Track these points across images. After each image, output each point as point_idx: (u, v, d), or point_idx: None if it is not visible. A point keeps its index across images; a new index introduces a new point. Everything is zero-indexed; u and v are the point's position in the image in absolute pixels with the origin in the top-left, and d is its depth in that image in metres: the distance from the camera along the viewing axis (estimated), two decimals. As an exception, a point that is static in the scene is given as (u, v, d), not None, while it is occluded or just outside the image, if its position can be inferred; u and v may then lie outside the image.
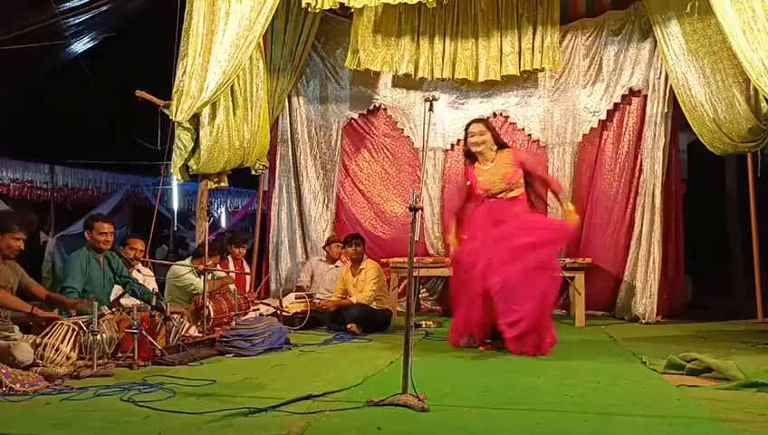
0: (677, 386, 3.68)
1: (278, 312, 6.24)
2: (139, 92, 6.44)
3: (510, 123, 8.10)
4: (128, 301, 5.33)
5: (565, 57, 7.83)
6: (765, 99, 5.90)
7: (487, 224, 4.99)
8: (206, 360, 4.54)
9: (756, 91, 6.02)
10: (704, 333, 6.10)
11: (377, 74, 8.14)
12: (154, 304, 4.81)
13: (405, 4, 6.96)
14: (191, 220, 14.00)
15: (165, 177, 7.74)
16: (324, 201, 8.36)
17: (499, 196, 5.01)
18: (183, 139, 6.39)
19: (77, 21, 7.92)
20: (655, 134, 7.38)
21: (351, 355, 4.90)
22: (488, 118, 5.57)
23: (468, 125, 5.28)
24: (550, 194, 5.39)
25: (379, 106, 8.46)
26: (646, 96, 7.55)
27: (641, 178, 7.50)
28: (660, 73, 7.37)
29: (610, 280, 7.57)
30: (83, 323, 4.10)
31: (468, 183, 5.19)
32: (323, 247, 7.71)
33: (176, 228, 14.80)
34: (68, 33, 8.10)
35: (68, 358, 3.92)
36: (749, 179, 7.00)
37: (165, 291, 6.27)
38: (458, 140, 8.18)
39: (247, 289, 7.17)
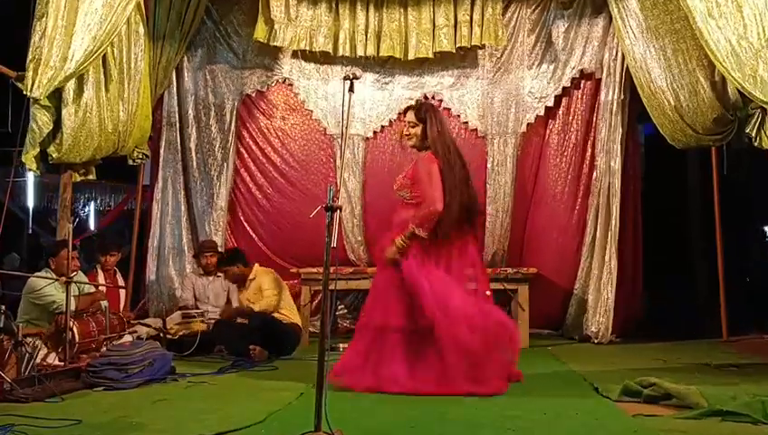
0: (633, 416, 3.82)
1: (161, 334, 6.10)
2: (-16, 61, 6.18)
3: (444, 108, 8.07)
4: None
5: (508, 33, 7.95)
6: (735, 84, 6.13)
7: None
8: (68, 395, 4.41)
9: (723, 76, 6.27)
10: (663, 354, 6.33)
11: (284, 44, 8.03)
12: (2, 325, 4.60)
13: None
14: (51, 221, 13.51)
15: (17, 167, 7.42)
16: (216, 198, 8.11)
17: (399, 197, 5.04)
18: (39, 119, 6.14)
19: None
20: (610, 124, 7.57)
21: (253, 386, 4.85)
22: (431, 105, 5.44)
23: (406, 110, 5.15)
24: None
25: (284, 81, 8.30)
26: (599, 80, 7.77)
27: (594, 174, 7.72)
28: (616, 54, 7.60)
29: (558, 293, 7.76)
30: None
31: None
32: (193, 257, 7.58)
33: (31, 231, 14.27)
34: None
35: None
36: (713, 178, 7.32)
37: (19, 310, 6.01)
38: (382, 127, 8.25)
39: (122, 306, 6.93)
